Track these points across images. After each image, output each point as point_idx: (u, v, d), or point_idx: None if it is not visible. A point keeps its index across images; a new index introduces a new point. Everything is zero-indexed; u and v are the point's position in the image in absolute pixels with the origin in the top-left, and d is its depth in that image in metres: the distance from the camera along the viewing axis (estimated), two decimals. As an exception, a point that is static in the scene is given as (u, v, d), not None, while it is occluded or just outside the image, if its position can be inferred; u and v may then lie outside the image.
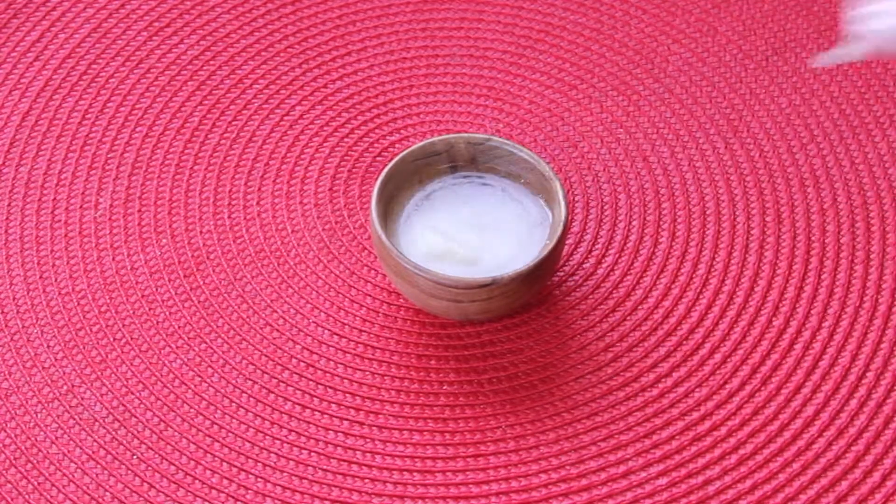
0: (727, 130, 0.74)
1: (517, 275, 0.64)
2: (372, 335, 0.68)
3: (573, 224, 0.71)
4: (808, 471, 0.64)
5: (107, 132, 0.75)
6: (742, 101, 0.75)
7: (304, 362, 0.67)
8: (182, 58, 0.77)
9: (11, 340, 0.68)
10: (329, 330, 0.68)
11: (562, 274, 0.70)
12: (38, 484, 0.64)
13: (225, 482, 0.64)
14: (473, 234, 0.65)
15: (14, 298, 0.69)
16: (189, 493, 0.64)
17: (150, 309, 0.69)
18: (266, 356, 0.68)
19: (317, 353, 0.68)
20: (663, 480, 0.64)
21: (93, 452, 0.64)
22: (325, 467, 0.64)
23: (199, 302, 0.69)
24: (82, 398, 0.66)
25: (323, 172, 0.74)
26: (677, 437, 0.65)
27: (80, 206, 0.72)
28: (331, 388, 0.67)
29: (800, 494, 0.64)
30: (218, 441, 0.65)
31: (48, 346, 0.67)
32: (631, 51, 0.77)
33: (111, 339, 0.68)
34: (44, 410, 0.66)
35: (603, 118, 0.74)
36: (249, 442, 0.65)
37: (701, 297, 0.69)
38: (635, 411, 0.66)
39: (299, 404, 0.66)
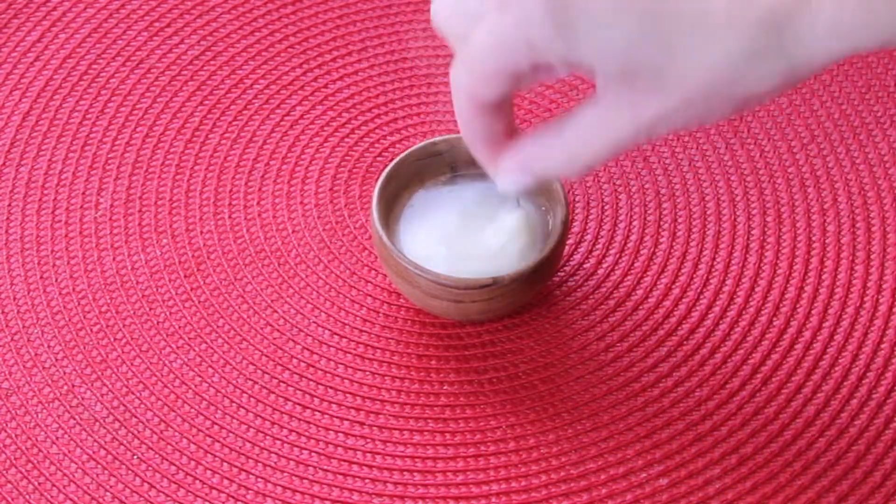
0: (727, 130, 0.74)
1: (518, 275, 0.64)
2: (372, 335, 0.68)
3: (573, 224, 0.71)
4: (809, 471, 0.64)
5: (107, 132, 0.75)
6: (742, 102, 0.75)
7: (304, 362, 0.67)
8: (182, 58, 0.77)
9: (11, 340, 0.68)
10: (329, 330, 0.68)
11: (562, 274, 0.70)
12: (39, 484, 0.64)
13: (225, 482, 0.64)
14: (474, 235, 0.65)
15: (14, 298, 0.69)
16: (189, 493, 0.63)
17: (150, 309, 0.69)
18: (266, 356, 0.68)
19: (317, 353, 0.68)
20: (664, 481, 0.64)
21: (93, 452, 0.64)
22: (325, 467, 0.64)
23: (199, 302, 0.69)
24: (83, 398, 0.66)
25: (323, 172, 0.73)
26: (678, 437, 0.65)
27: (81, 206, 0.72)
28: (331, 388, 0.67)
29: (800, 495, 0.64)
30: (218, 441, 0.65)
31: (48, 346, 0.67)
32: (631, 51, 0.76)
33: (111, 339, 0.68)
34: (44, 410, 0.66)
35: (603, 118, 0.74)
36: (250, 442, 0.65)
37: (701, 297, 0.69)
38: (636, 411, 0.66)
39: (299, 404, 0.66)
